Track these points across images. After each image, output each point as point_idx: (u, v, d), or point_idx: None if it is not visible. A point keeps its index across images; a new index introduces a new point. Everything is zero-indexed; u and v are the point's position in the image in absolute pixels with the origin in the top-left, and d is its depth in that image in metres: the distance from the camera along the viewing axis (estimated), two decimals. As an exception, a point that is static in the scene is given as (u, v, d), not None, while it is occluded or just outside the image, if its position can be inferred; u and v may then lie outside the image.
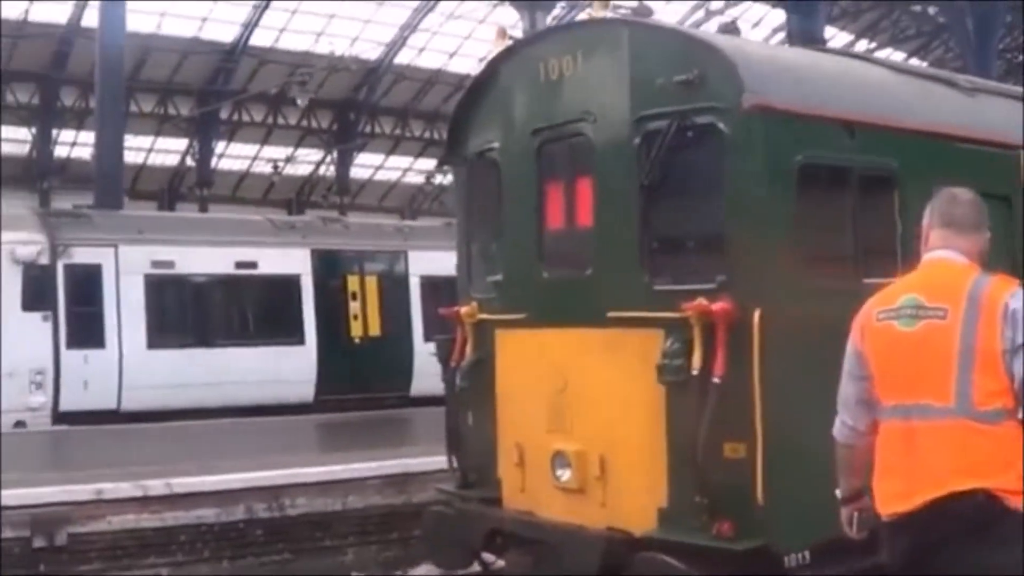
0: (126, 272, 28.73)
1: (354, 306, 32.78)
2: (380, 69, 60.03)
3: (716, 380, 9.77)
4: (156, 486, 17.06)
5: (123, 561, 16.52)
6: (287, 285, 31.56)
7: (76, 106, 54.05)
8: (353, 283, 33.01)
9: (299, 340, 31.41)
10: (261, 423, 27.03)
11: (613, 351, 10.81)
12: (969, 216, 6.64)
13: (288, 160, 62.94)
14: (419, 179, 69.12)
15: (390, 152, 68.20)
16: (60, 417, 27.21)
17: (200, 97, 57.36)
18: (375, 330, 33.00)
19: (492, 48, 15.08)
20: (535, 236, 11.94)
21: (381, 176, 69.98)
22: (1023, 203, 11.84)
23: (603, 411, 10.90)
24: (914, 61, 54.20)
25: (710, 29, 34.30)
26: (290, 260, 31.65)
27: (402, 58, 60.09)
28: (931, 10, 54.74)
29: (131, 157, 50.43)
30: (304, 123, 61.99)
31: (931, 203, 6.77)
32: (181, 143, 60.76)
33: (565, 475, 11.14)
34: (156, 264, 29.31)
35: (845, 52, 18.29)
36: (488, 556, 12.40)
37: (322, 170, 66.05)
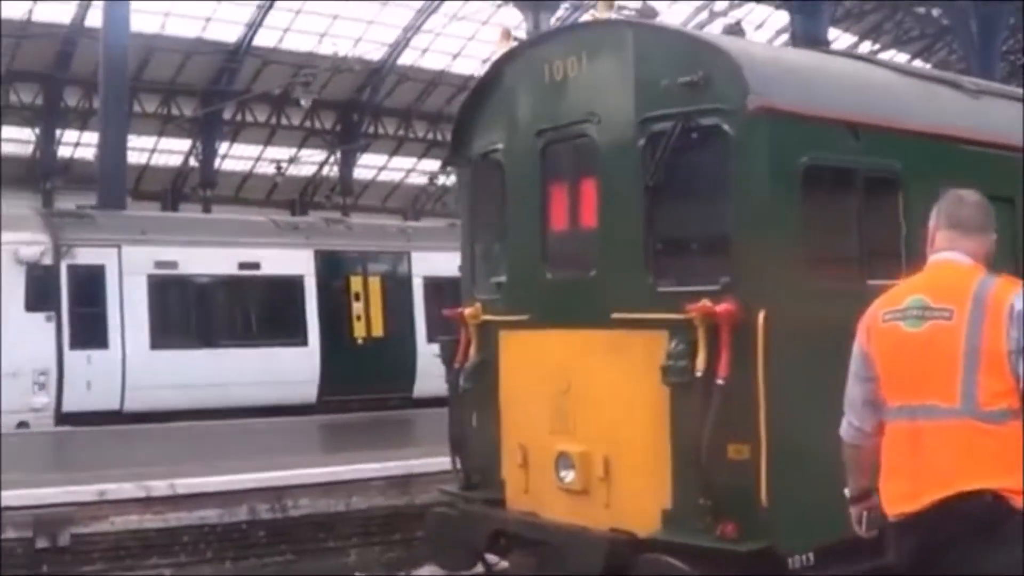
0: (129, 272, 28.71)
1: (357, 307, 32.77)
2: (384, 70, 60.04)
3: (720, 381, 9.76)
4: (159, 487, 17.04)
5: (126, 562, 16.50)
6: (290, 286, 31.56)
7: (80, 106, 54.09)
8: (356, 284, 32.99)
9: (302, 341, 31.39)
10: (264, 424, 27.00)
11: (617, 352, 10.81)
12: (975, 218, 6.66)
13: (291, 161, 62.95)
14: (422, 180, 69.10)
15: (393, 153, 68.22)
16: (63, 418, 27.18)
17: (204, 97, 57.38)
18: (378, 331, 32.98)
19: (496, 49, 15.03)
20: (539, 237, 11.94)
21: (384, 177, 70.01)
22: (1027, 205, 11.84)
23: (607, 412, 10.90)
24: (917, 63, 54.19)
25: (714, 31, 34.37)
26: (293, 261, 31.63)
27: (406, 59, 60.10)
28: (935, 12, 54.69)
29: (134, 157, 50.54)
30: (307, 124, 61.97)
31: (938, 205, 6.78)
32: (184, 143, 60.80)
33: (569, 476, 11.14)
34: (159, 265, 29.30)
35: (850, 54, 18.29)
36: (492, 557, 12.37)
37: (325, 171, 66.06)
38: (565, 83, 11.66)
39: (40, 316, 27.50)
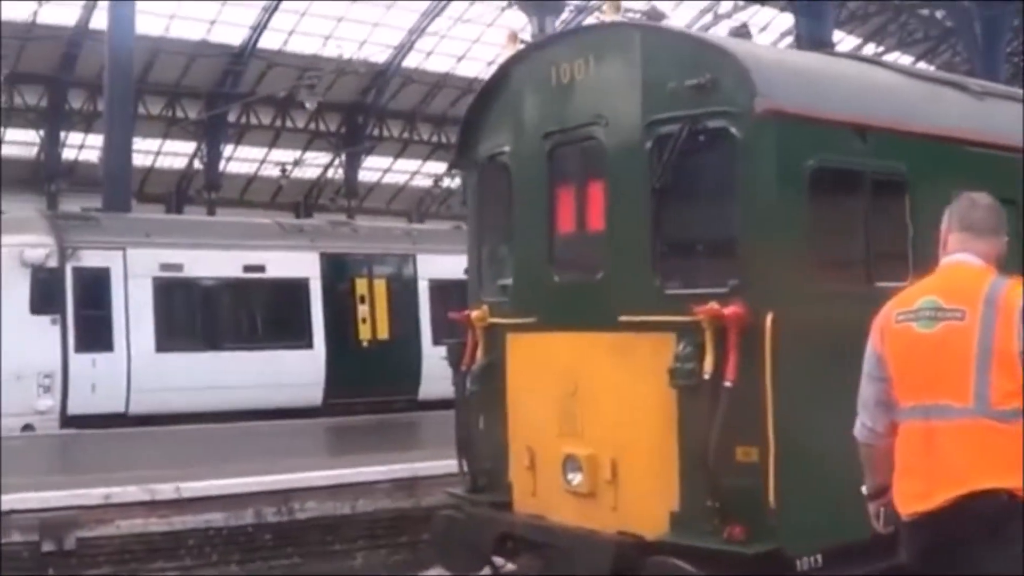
0: (134, 275, 28.69)
1: (362, 310, 32.76)
2: (388, 72, 60.06)
3: (728, 384, 9.76)
4: (165, 490, 17.04)
5: (131, 565, 16.51)
6: (295, 289, 31.51)
7: (84, 108, 54.14)
8: (362, 287, 32.97)
9: (307, 344, 31.38)
10: (269, 427, 26.99)
11: (624, 355, 10.81)
12: (987, 220, 6.74)
13: (296, 163, 62.87)
14: (427, 182, 69.10)
15: (398, 155, 68.22)
16: (68, 420, 27.14)
17: (208, 100, 57.39)
18: (383, 334, 32.96)
19: (503, 52, 15.06)
20: (546, 240, 11.94)
21: (389, 179, 70.02)
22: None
23: (614, 415, 10.89)
24: (921, 65, 54.16)
25: (719, 33, 34.37)
26: (299, 263, 31.61)
27: (410, 61, 60.11)
28: (939, 14, 54.67)
29: (139, 160, 50.53)
30: (312, 126, 61.95)
31: (950, 207, 6.86)
32: (189, 146, 60.81)
33: (576, 479, 11.13)
34: (164, 267, 29.28)
35: (856, 56, 18.27)
36: (498, 560, 12.35)
37: (330, 173, 66.03)
38: (572, 86, 11.66)
39: (45, 319, 27.47)
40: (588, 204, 11.61)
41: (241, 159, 63.78)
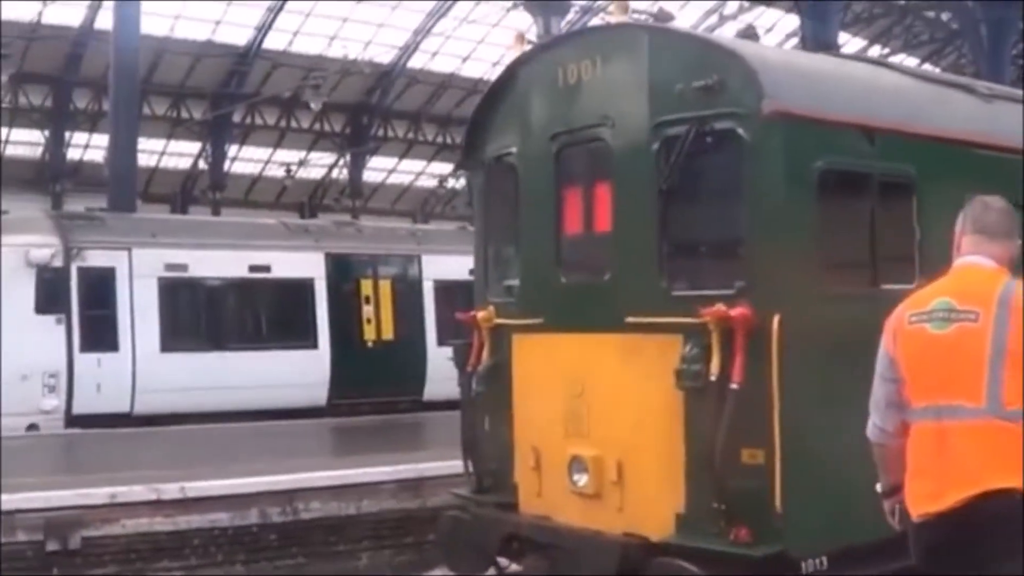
0: (139, 275, 28.69)
1: (367, 310, 32.75)
2: (393, 73, 59.99)
3: (734, 386, 9.77)
4: (170, 490, 17.05)
5: (136, 565, 16.52)
6: (300, 289, 31.51)
7: (89, 108, 54.05)
8: (366, 287, 32.97)
9: (312, 344, 31.37)
10: (274, 427, 27.01)
11: (631, 356, 10.81)
12: (1001, 223, 6.79)
13: (301, 163, 62.79)
14: (432, 183, 69.03)
15: (403, 156, 68.14)
16: (73, 420, 27.12)
17: (213, 100, 57.35)
18: (388, 334, 32.95)
19: (510, 52, 15.06)
20: (553, 241, 11.95)
21: (394, 179, 69.93)
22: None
23: (620, 416, 10.90)
24: (927, 67, 54.14)
25: (724, 34, 34.37)
26: (304, 264, 31.61)
27: (415, 62, 60.04)
28: (944, 16, 54.64)
29: (144, 160, 50.40)
30: (317, 126, 61.87)
31: (964, 210, 6.90)
32: (194, 146, 60.73)
33: (582, 480, 11.14)
34: (169, 267, 29.28)
35: (863, 58, 18.28)
36: (504, 561, 12.36)
37: (335, 173, 65.97)
38: (579, 87, 11.67)
39: (50, 318, 27.48)
40: (595, 205, 11.63)
41: (246, 159, 63.72)
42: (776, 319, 9.65)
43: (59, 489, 16.93)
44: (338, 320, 31.93)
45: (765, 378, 9.66)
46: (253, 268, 30.74)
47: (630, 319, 10.71)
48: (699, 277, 10.80)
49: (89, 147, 56.74)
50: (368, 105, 62.33)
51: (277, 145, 63.45)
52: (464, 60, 60.28)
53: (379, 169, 68.08)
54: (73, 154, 57.22)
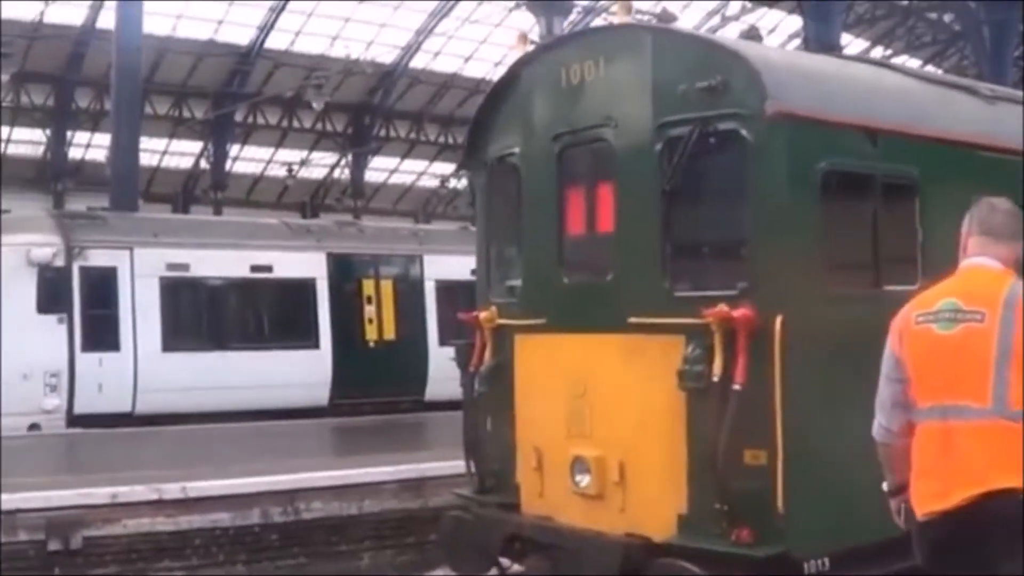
0: (141, 275, 28.67)
1: (369, 310, 32.74)
2: (395, 73, 59.99)
3: (737, 387, 9.76)
4: (171, 490, 17.04)
5: (138, 565, 16.50)
6: (302, 289, 31.51)
7: (91, 108, 54.06)
8: (368, 287, 32.95)
9: (314, 344, 31.37)
10: (276, 427, 27.00)
11: (633, 357, 10.81)
12: (1007, 225, 6.82)
13: (303, 163, 62.83)
14: (434, 183, 69.04)
15: (405, 156, 68.14)
16: (74, 420, 27.11)
17: (215, 99, 57.36)
18: (390, 334, 32.95)
19: (512, 53, 15.06)
20: (555, 241, 11.94)
21: (396, 180, 69.93)
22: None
23: (623, 417, 10.89)
24: (929, 68, 54.14)
25: (727, 35, 34.37)
26: (305, 264, 31.60)
27: (417, 62, 60.04)
28: (947, 17, 54.65)
29: (145, 159, 50.42)
30: (319, 126, 61.87)
31: (970, 212, 6.93)
32: (196, 145, 60.77)
33: (584, 480, 11.13)
34: (171, 267, 29.27)
35: (866, 59, 18.27)
36: (506, 561, 12.35)
37: (337, 173, 65.98)
38: (582, 87, 11.66)
39: (52, 318, 27.46)
40: (598, 206, 11.62)
41: (247, 159, 63.74)
42: (779, 320, 9.65)
43: (61, 489, 16.92)
44: (340, 320, 31.91)
45: (767, 379, 9.66)
46: (255, 268, 30.73)
47: (633, 320, 10.71)
48: (702, 278, 10.78)
49: (91, 146, 56.79)
50: (370, 105, 62.34)
51: (279, 145, 63.47)
52: (466, 60, 60.28)
53: (381, 169, 68.10)
54: (75, 153, 57.26)
